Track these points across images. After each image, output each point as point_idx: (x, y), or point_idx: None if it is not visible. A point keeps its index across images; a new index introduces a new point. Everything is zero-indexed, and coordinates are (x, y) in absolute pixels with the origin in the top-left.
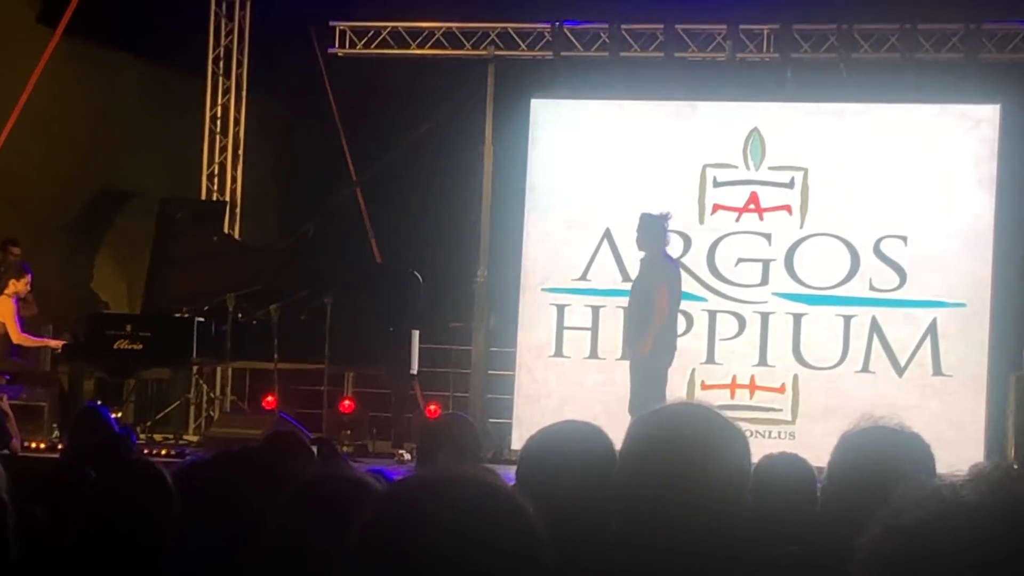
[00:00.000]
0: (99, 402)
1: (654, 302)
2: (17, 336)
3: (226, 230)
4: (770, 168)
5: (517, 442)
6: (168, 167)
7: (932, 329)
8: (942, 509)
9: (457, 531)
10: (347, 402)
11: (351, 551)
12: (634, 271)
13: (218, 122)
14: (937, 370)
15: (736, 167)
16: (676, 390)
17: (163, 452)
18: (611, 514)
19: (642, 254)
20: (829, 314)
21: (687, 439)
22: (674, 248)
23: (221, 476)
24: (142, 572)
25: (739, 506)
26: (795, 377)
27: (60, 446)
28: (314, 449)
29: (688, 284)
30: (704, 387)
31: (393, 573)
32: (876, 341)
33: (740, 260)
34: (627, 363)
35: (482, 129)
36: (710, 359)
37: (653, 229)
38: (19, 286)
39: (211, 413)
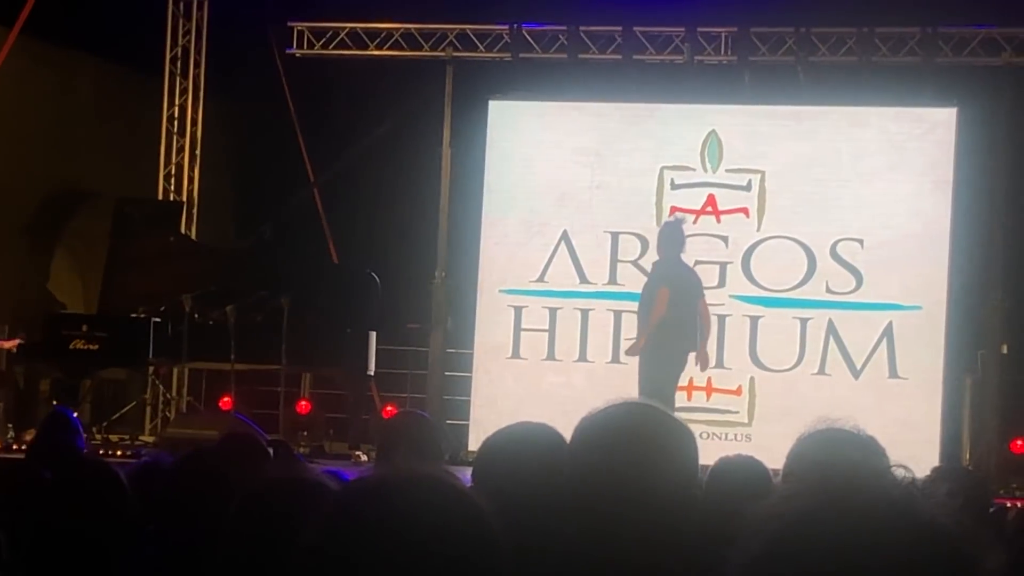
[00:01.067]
0: (55, 402)
1: (651, 302)
2: None
3: (183, 231)
4: (727, 170)
5: (474, 443)
6: (125, 167)
7: (888, 332)
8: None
9: (413, 531)
10: (304, 403)
11: (306, 550)
12: (592, 273)
13: (175, 122)
14: (893, 373)
15: (693, 169)
16: (632, 393)
17: (119, 453)
18: (563, 514)
19: (656, 258)
20: (786, 316)
21: (635, 438)
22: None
23: (177, 477)
24: (97, 572)
25: (688, 505)
26: (751, 379)
27: (15, 446)
28: (270, 450)
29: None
30: None
31: (348, 573)
32: (832, 343)
33: (697, 262)
34: (585, 365)
35: (440, 130)
36: None
37: (674, 235)
38: None
39: (167, 414)
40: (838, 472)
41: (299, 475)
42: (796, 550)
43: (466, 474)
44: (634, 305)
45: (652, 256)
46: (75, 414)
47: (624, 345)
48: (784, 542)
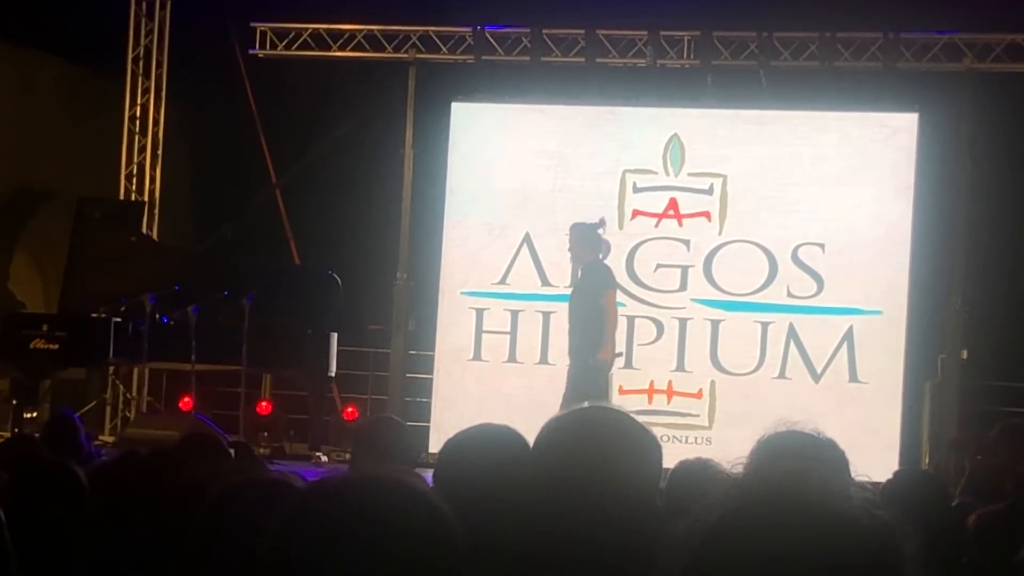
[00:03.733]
0: (15, 401)
1: (603, 309)
2: None
3: (144, 231)
4: (689, 174)
5: (435, 445)
6: (86, 167)
7: (848, 336)
8: (733, 507)
9: (372, 531)
10: (264, 404)
11: (268, 549)
12: (554, 275)
13: (137, 122)
14: (853, 377)
15: (656, 173)
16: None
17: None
18: (523, 517)
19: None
20: (747, 320)
21: (599, 441)
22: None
23: (137, 477)
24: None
25: (650, 509)
26: (712, 383)
27: None
28: (231, 451)
29: None
30: (622, 392)
31: (309, 571)
32: (793, 347)
33: (659, 266)
34: (546, 368)
35: (402, 132)
36: (628, 364)
37: (589, 238)
38: None
39: (127, 414)
40: (760, 478)
41: (265, 475)
42: (716, 565)
43: (427, 476)
44: None
45: (615, 259)
46: (30, 415)
47: (601, 360)
48: (704, 559)
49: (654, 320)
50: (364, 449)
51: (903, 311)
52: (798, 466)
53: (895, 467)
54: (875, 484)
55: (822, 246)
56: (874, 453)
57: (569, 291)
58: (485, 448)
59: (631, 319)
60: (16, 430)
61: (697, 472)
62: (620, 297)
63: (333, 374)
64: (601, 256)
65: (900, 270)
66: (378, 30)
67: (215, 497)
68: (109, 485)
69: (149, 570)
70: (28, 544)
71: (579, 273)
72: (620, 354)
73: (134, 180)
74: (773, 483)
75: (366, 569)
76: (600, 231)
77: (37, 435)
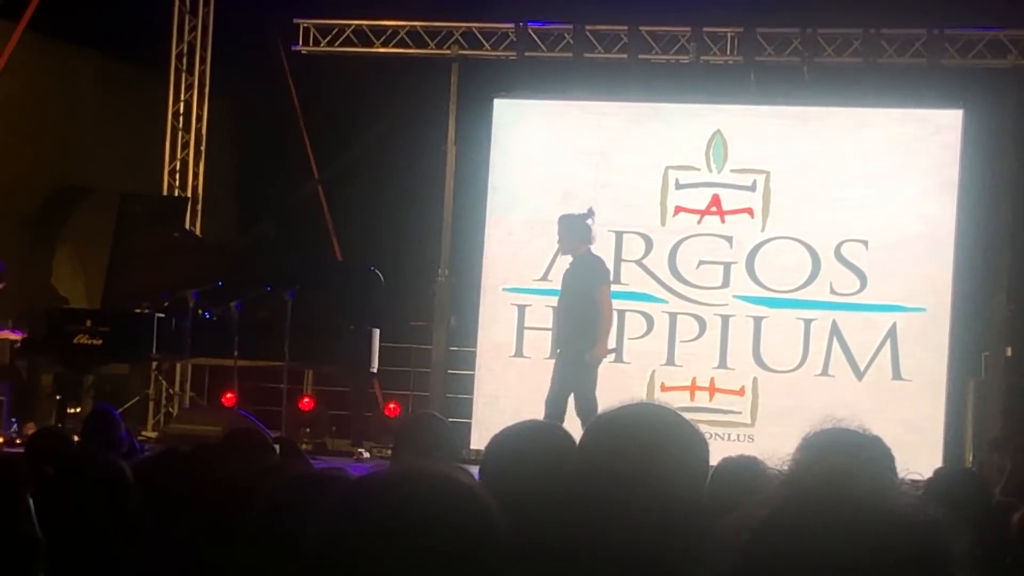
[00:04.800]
0: (59, 396)
1: (596, 303)
2: None
3: (187, 226)
4: (732, 171)
5: (477, 442)
6: (129, 163)
7: (892, 333)
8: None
9: (420, 525)
10: (306, 400)
11: (315, 542)
12: None
13: (180, 118)
14: (896, 374)
15: (698, 169)
16: (635, 392)
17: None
18: (571, 512)
19: (568, 257)
20: (789, 317)
21: (647, 439)
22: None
23: (183, 472)
24: (101, 568)
25: (696, 506)
26: (755, 380)
27: (19, 440)
28: (276, 447)
29: (649, 286)
30: (664, 389)
31: (356, 566)
32: (836, 345)
33: (701, 262)
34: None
35: (445, 128)
36: (670, 361)
37: (577, 229)
38: None
39: (170, 409)
40: (811, 474)
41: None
42: (766, 561)
43: (472, 472)
44: (638, 304)
45: (657, 256)
46: (73, 410)
47: (595, 356)
48: (754, 554)
49: (696, 317)
50: (406, 445)
51: (947, 308)
52: (847, 462)
53: (938, 465)
54: (917, 482)
55: (865, 243)
56: (917, 451)
57: (612, 288)
58: (532, 444)
59: (673, 316)
60: (59, 425)
61: (742, 469)
62: (662, 293)
63: (375, 370)
64: (591, 247)
65: (944, 267)
66: (421, 26)
67: (263, 491)
68: (153, 480)
69: (194, 564)
70: (72, 538)
71: (570, 264)
72: (613, 350)
73: (177, 176)
74: (823, 479)
75: (413, 562)
76: (589, 221)
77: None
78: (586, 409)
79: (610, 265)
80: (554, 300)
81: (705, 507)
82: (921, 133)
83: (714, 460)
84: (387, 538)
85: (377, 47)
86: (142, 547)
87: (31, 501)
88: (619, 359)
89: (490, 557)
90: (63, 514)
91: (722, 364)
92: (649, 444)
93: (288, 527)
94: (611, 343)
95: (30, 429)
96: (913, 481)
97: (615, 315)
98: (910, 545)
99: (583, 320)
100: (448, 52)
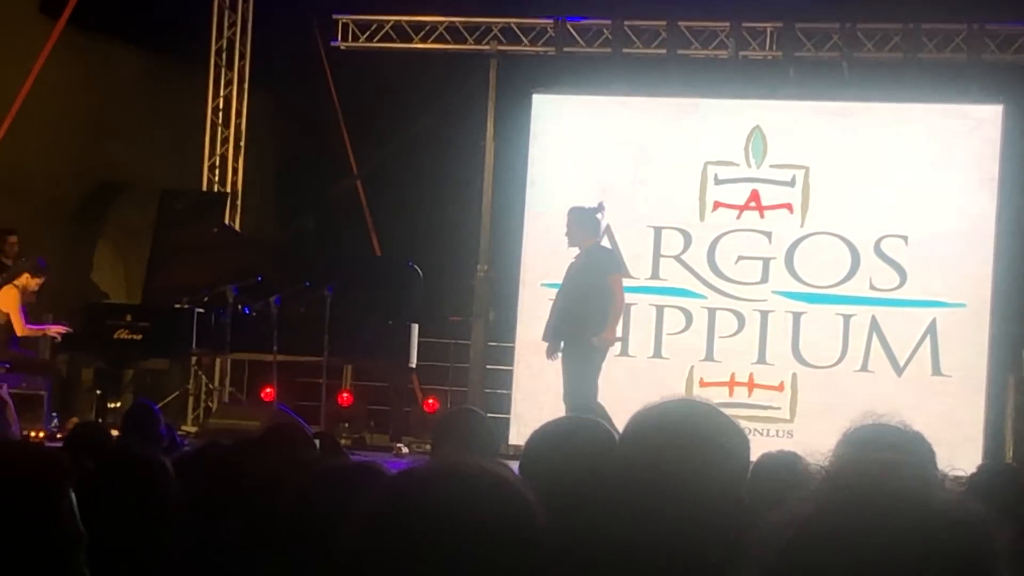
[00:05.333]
0: (99, 391)
1: (605, 292)
2: (21, 329)
3: (227, 222)
4: (771, 166)
5: (515, 437)
6: (169, 158)
7: (932, 329)
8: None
9: (460, 519)
10: (345, 395)
11: (354, 536)
12: (635, 268)
13: (220, 114)
14: (936, 370)
15: (737, 165)
16: (674, 387)
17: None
18: (608, 506)
19: (575, 250)
20: (829, 313)
21: (687, 434)
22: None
23: (224, 466)
24: (142, 562)
25: (737, 501)
26: (794, 375)
27: (59, 434)
28: (316, 442)
29: (688, 281)
30: (703, 384)
31: (395, 559)
32: (875, 340)
33: (740, 258)
34: (626, 360)
35: (483, 124)
36: (709, 356)
37: (587, 222)
38: (31, 283)
39: (209, 404)
40: (854, 470)
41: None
42: (810, 557)
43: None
44: (677, 300)
45: (696, 251)
46: (114, 405)
47: (604, 340)
48: (798, 550)
49: (735, 312)
50: (445, 440)
51: (987, 304)
52: (891, 458)
53: (978, 461)
54: (960, 478)
55: (905, 238)
56: (957, 447)
57: (650, 283)
58: (572, 440)
59: (712, 311)
60: (99, 420)
61: (782, 465)
62: (701, 289)
63: (414, 365)
64: (600, 240)
65: (984, 263)
66: (460, 22)
67: (303, 483)
68: (193, 474)
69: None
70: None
71: (578, 256)
72: (620, 338)
73: (216, 171)
74: (867, 475)
75: (453, 557)
76: (599, 215)
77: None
78: (574, 397)
79: (648, 260)
80: None
81: (746, 503)
82: (961, 128)
83: (753, 456)
84: (427, 533)
85: (416, 43)
86: (182, 541)
87: (73, 495)
88: (657, 355)
89: (531, 552)
90: (103, 508)
91: (761, 360)
92: (690, 440)
93: (324, 520)
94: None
95: (71, 424)
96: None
97: (654, 311)
98: (954, 541)
99: (592, 308)
100: (487, 48)
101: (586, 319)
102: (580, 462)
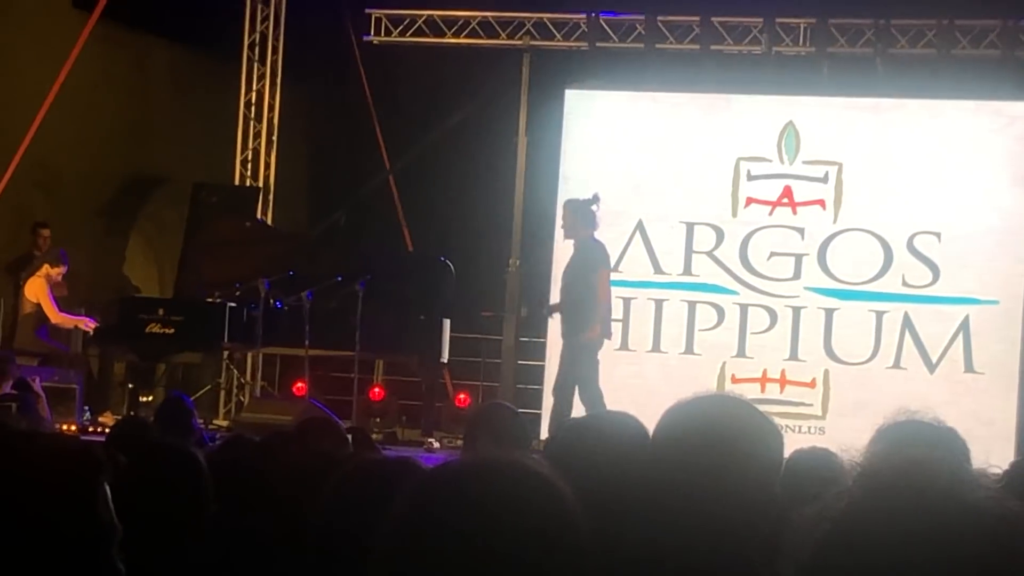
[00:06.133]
0: (131, 385)
1: (594, 287)
2: (55, 316)
3: (259, 216)
4: (804, 162)
5: (546, 432)
6: (201, 152)
7: (964, 326)
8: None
9: (496, 514)
10: (377, 390)
11: (390, 532)
12: (667, 263)
13: (252, 108)
14: (969, 367)
15: (770, 161)
16: (706, 384)
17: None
18: (642, 501)
19: (570, 241)
20: (861, 309)
21: (721, 430)
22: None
23: (257, 459)
24: (175, 556)
25: (771, 496)
26: (826, 372)
27: (92, 428)
28: (349, 436)
29: (720, 277)
30: (734, 380)
31: (432, 554)
32: (908, 337)
33: (773, 254)
34: (658, 356)
35: (516, 119)
36: (741, 353)
37: (582, 214)
38: (52, 272)
39: (241, 398)
40: (890, 466)
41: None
42: (845, 553)
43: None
44: (709, 296)
45: (729, 247)
46: (146, 399)
47: (593, 333)
48: (833, 546)
49: (767, 309)
50: (477, 435)
51: (1020, 301)
52: (926, 455)
53: (1011, 458)
54: (995, 475)
55: (938, 235)
56: (989, 444)
57: (683, 279)
58: (605, 434)
59: (744, 307)
60: (131, 413)
61: (814, 461)
62: (733, 285)
63: (445, 360)
64: (594, 232)
65: (1017, 260)
66: (492, 17)
67: (338, 478)
68: (225, 468)
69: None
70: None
71: (573, 251)
72: (611, 334)
73: (249, 166)
74: (902, 471)
75: (490, 551)
76: (594, 207)
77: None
78: (589, 397)
79: (681, 256)
80: (625, 291)
81: (780, 498)
82: (995, 125)
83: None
84: (464, 527)
85: (449, 37)
86: (214, 535)
87: (107, 488)
88: (689, 351)
89: (569, 545)
90: (137, 501)
91: (793, 356)
92: (724, 435)
93: (360, 516)
94: (610, 329)
95: (104, 418)
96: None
97: (686, 307)
98: (990, 538)
99: (582, 305)
100: (520, 43)
101: (575, 316)
102: (612, 456)
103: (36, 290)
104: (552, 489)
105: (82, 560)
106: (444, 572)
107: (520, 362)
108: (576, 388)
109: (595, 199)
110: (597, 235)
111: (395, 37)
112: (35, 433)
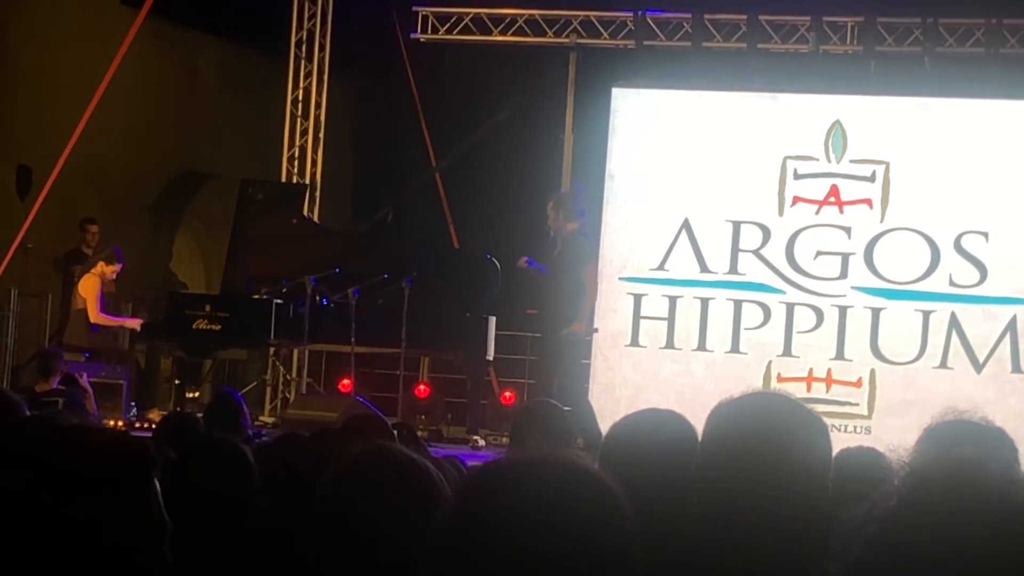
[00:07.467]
0: (177, 381)
1: (582, 283)
2: (95, 315)
3: (306, 213)
4: (851, 161)
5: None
6: (248, 149)
7: (1012, 326)
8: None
9: (547, 511)
10: (422, 387)
11: (441, 527)
12: (713, 262)
13: (299, 105)
14: (1016, 367)
15: (817, 160)
16: (752, 383)
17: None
18: (694, 500)
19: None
20: (908, 309)
21: (770, 428)
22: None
23: (304, 456)
24: (222, 552)
25: (821, 495)
26: (872, 371)
27: (139, 424)
28: (395, 433)
29: (766, 276)
30: (780, 379)
31: (482, 551)
32: (955, 337)
33: (819, 253)
34: (704, 355)
35: (562, 117)
36: (787, 352)
37: (564, 210)
38: (107, 270)
39: (287, 395)
40: (939, 465)
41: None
42: (895, 551)
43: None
44: (755, 295)
45: (775, 246)
46: (193, 395)
47: (574, 332)
48: (882, 545)
49: (814, 308)
50: (523, 432)
51: None
52: (975, 455)
53: None
54: None
55: (986, 235)
56: None
57: (729, 278)
58: (654, 433)
59: (790, 306)
60: (178, 409)
61: (862, 460)
62: (780, 284)
63: (491, 358)
64: (579, 226)
65: None
66: (539, 15)
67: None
68: (274, 465)
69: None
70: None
71: (559, 244)
72: (596, 330)
73: (296, 162)
74: (951, 471)
75: (541, 548)
76: (579, 199)
77: (199, 415)
78: (559, 388)
79: (727, 255)
80: (671, 290)
81: (829, 494)
82: None
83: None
84: (517, 523)
85: (495, 35)
86: (262, 531)
87: (157, 484)
88: (735, 349)
89: (619, 542)
90: (186, 496)
91: (839, 355)
92: (774, 433)
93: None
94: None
95: (152, 414)
96: None
97: (732, 306)
98: None
99: (568, 299)
100: (566, 41)
101: (557, 310)
102: (661, 454)
103: (88, 287)
104: (603, 487)
105: (132, 555)
106: (495, 568)
107: None
108: (555, 381)
109: (575, 191)
110: (604, 227)
111: (442, 35)
112: (86, 428)
